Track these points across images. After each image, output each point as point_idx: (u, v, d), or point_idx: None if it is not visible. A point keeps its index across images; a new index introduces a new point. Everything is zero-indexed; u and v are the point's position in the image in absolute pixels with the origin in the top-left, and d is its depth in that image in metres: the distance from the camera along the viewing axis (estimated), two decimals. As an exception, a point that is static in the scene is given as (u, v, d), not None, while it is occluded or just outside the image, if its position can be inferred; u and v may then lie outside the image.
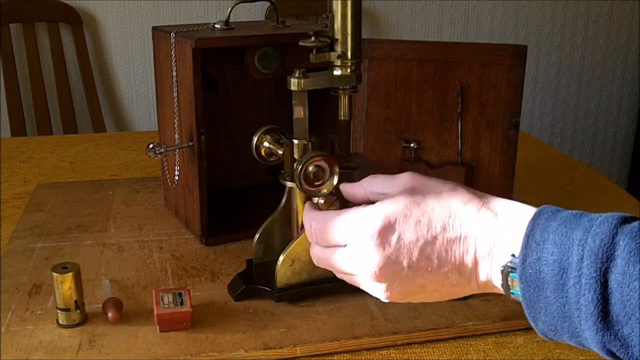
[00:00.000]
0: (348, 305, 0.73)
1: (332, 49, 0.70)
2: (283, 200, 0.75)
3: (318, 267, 0.72)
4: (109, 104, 2.36)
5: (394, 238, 0.53)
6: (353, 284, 0.58)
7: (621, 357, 0.44)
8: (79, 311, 0.69)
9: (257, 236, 0.76)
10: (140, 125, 2.39)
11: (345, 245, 0.57)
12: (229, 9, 0.85)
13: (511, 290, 0.50)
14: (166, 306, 0.68)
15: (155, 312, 0.67)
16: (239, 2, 0.86)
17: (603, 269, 0.44)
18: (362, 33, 0.71)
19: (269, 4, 0.98)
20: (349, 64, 0.70)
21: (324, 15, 0.70)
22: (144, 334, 0.68)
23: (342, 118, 0.74)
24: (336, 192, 0.69)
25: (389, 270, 0.53)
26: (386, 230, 0.53)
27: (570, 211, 0.49)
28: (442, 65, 0.91)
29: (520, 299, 0.49)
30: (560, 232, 0.47)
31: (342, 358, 0.66)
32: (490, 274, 0.52)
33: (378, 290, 0.55)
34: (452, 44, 0.92)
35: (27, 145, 1.31)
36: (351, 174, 0.74)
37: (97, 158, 1.24)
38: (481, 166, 0.93)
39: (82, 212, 0.97)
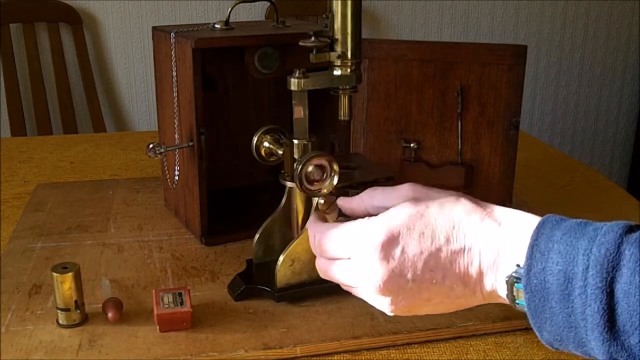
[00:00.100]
0: (348, 305, 0.73)
1: (332, 49, 0.70)
2: (283, 200, 0.75)
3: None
4: (109, 104, 2.36)
5: (397, 251, 0.53)
6: (357, 296, 0.58)
7: None
8: (79, 311, 0.69)
9: (257, 236, 0.76)
10: (140, 125, 2.39)
11: (348, 258, 0.56)
12: (229, 9, 0.85)
13: (516, 301, 0.49)
14: (166, 306, 0.68)
15: (155, 312, 0.67)
16: (239, 2, 0.86)
17: (609, 278, 0.43)
18: (362, 33, 0.71)
19: (269, 4, 0.98)
20: (349, 64, 0.70)
21: (324, 15, 0.70)
22: (144, 334, 0.68)
23: (342, 118, 0.74)
24: (336, 193, 0.69)
25: (393, 284, 0.53)
26: (390, 243, 0.53)
27: (574, 220, 0.49)
28: (442, 65, 0.91)
29: (526, 309, 0.48)
30: (565, 241, 0.47)
31: (342, 358, 0.66)
32: (496, 285, 0.52)
33: (383, 304, 0.55)
34: (452, 44, 0.92)
35: (27, 145, 1.31)
36: (351, 174, 0.74)
37: (97, 158, 1.24)
38: (481, 166, 0.93)
39: (82, 212, 0.97)
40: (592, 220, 0.48)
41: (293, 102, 0.70)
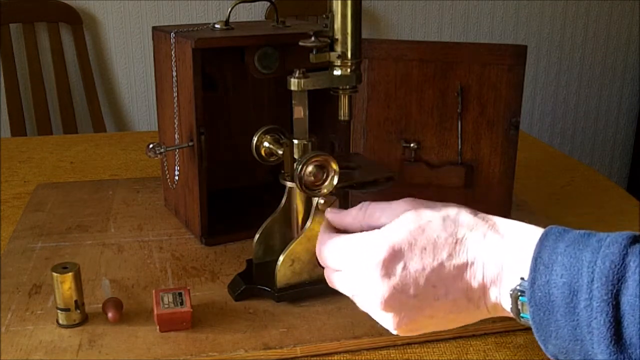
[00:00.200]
0: (348, 305, 0.73)
1: (332, 49, 0.70)
2: (283, 200, 0.75)
3: (318, 267, 0.73)
4: (109, 104, 2.36)
5: (399, 267, 0.52)
6: (361, 307, 0.57)
7: None
8: (79, 311, 0.69)
9: (257, 236, 0.76)
10: (140, 125, 2.39)
11: (350, 272, 0.56)
12: (229, 9, 0.85)
13: (521, 314, 0.49)
14: (166, 306, 0.68)
15: (155, 312, 0.67)
16: (239, 2, 0.86)
17: (614, 290, 0.43)
18: (362, 33, 0.71)
19: (269, 4, 0.98)
20: (349, 64, 0.70)
21: (324, 15, 0.70)
22: (144, 334, 0.68)
23: (342, 118, 0.74)
24: (336, 193, 0.69)
25: (395, 301, 0.52)
26: (391, 259, 0.52)
27: (577, 231, 0.49)
28: (442, 65, 0.91)
29: (530, 323, 0.48)
30: (569, 253, 0.46)
31: (342, 358, 0.66)
32: (500, 298, 0.51)
33: (386, 320, 0.54)
34: (452, 44, 0.92)
35: (27, 145, 1.31)
36: (351, 174, 0.74)
37: (97, 158, 1.24)
38: (481, 166, 0.93)
39: (82, 212, 0.97)
40: (594, 231, 0.48)
41: (293, 102, 0.70)
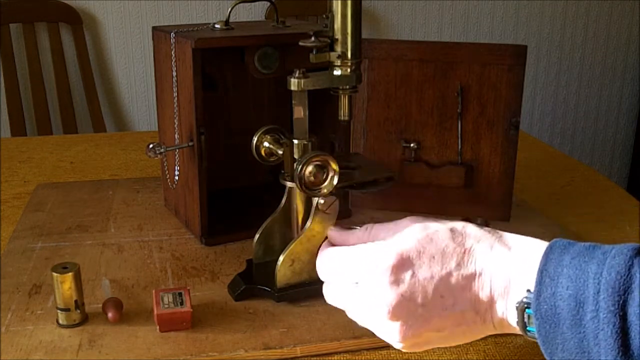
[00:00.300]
0: (348, 305, 0.73)
1: (332, 49, 0.70)
2: (283, 200, 0.75)
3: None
4: (109, 104, 2.36)
5: (407, 275, 0.52)
6: (365, 325, 0.57)
7: None
8: (79, 311, 0.69)
9: (257, 236, 0.76)
10: (140, 125, 2.40)
11: (356, 283, 0.56)
12: (229, 9, 0.85)
13: (528, 328, 0.49)
14: (166, 306, 0.68)
15: (155, 312, 0.67)
16: (239, 2, 0.86)
17: (621, 301, 0.43)
18: (362, 33, 0.71)
19: (269, 4, 0.98)
20: (349, 64, 0.70)
21: (324, 15, 0.70)
22: (144, 334, 0.68)
23: (342, 118, 0.74)
24: (336, 193, 0.69)
25: (403, 309, 0.52)
26: (400, 267, 0.52)
27: (582, 244, 0.49)
28: (442, 65, 0.91)
29: (536, 336, 0.48)
30: (574, 265, 0.46)
31: (342, 358, 0.66)
32: (506, 312, 0.51)
33: (392, 331, 0.53)
34: (452, 44, 0.92)
35: (27, 145, 1.31)
36: (351, 174, 0.74)
37: (97, 158, 1.24)
38: (481, 166, 0.93)
39: (82, 212, 0.97)
40: (596, 238, 0.48)
41: (293, 102, 0.70)
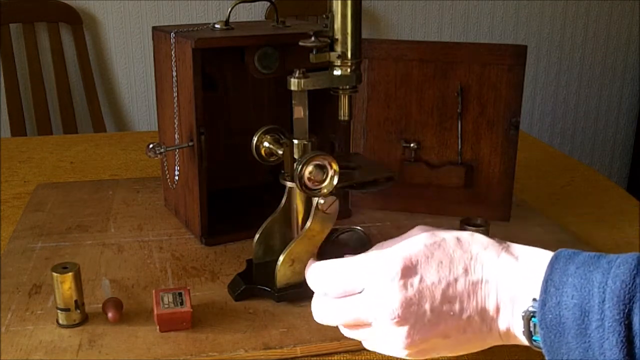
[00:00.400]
0: (348, 305, 0.73)
1: (332, 49, 0.70)
2: (283, 200, 0.75)
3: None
4: (109, 104, 2.36)
5: (416, 280, 0.52)
6: (367, 341, 0.56)
7: None
8: (79, 311, 0.69)
9: (257, 236, 0.76)
10: (140, 125, 2.40)
11: (361, 291, 0.55)
12: (229, 9, 0.85)
13: (534, 337, 0.49)
14: (166, 306, 0.68)
15: (155, 312, 0.67)
16: (239, 2, 0.86)
17: (626, 310, 0.43)
18: (362, 33, 0.71)
19: (269, 4, 0.98)
20: (349, 64, 0.70)
21: (324, 15, 0.70)
22: (144, 334, 0.68)
23: (342, 118, 0.74)
24: (336, 193, 0.69)
25: (410, 313, 0.52)
26: (407, 271, 0.52)
27: (587, 253, 0.49)
28: (442, 65, 0.91)
29: (541, 345, 0.48)
30: (579, 275, 0.46)
31: (342, 358, 0.66)
32: (512, 321, 0.51)
33: (398, 337, 0.53)
34: (452, 44, 0.92)
35: (27, 145, 1.31)
36: (351, 174, 0.74)
37: (97, 158, 1.24)
38: (481, 166, 0.93)
39: (82, 212, 0.97)
40: (601, 252, 0.48)
41: (293, 102, 0.70)
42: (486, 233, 0.79)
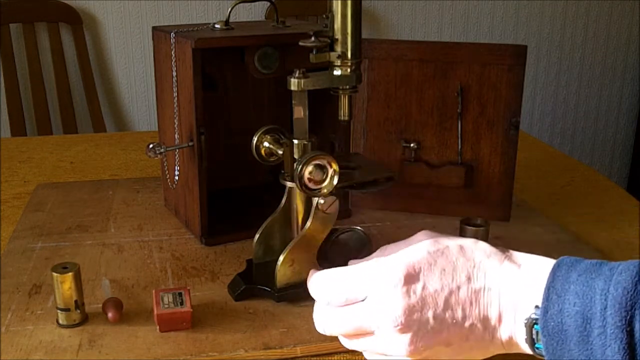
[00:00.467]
0: (348, 305, 0.73)
1: (332, 49, 0.70)
2: (283, 200, 0.75)
3: (318, 267, 0.72)
4: (109, 104, 2.36)
5: (419, 287, 0.52)
6: (369, 352, 0.56)
7: None
8: (79, 311, 0.69)
9: (257, 236, 0.76)
10: (140, 125, 2.40)
11: (364, 299, 0.55)
12: (229, 9, 0.85)
13: (536, 345, 0.49)
14: (166, 306, 0.68)
15: (155, 312, 0.67)
16: (239, 2, 0.86)
17: (628, 317, 0.43)
18: (362, 33, 0.71)
19: (269, 4, 0.98)
20: (349, 64, 0.70)
21: (324, 15, 0.70)
22: (144, 334, 0.68)
23: (342, 118, 0.74)
24: (336, 193, 0.69)
25: (414, 320, 0.52)
26: (410, 278, 0.52)
27: (589, 261, 0.49)
28: (442, 65, 0.91)
29: (544, 353, 0.48)
30: (581, 282, 0.46)
31: (342, 358, 0.66)
32: (515, 329, 0.51)
33: (401, 344, 0.53)
34: (452, 44, 0.92)
35: (27, 145, 1.31)
36: (351, 174, 0.74)
37: (97, 158, 1.24)
38: (481, 166, 0.93)
39: (82, 212, 0.97)
40: (602, 261, 0.48)
41: (293, 102, 0.70)
42: (486, 233, 0.79)
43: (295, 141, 0.71)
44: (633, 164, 2.92)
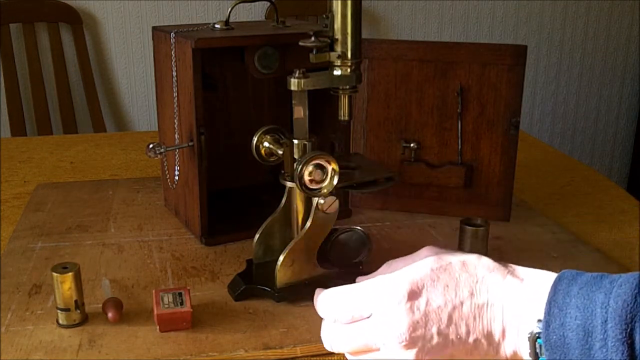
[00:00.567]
0: (348, 305, 0.73)
1: (332, 49, 0.70)
2: (283, 200, 0.75)
3: (318, 267, 0.73)
4: (109, 104, 2.36)
5: (422, 303, 0.53)
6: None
7: None
8: (79, 311, 0.69)
9: (257, 236, 0.76)
10: (140, 125, 2.40)
11: (369, 316, 0.55)
12: (229, 9, 0.85)
13: (540, 359, 0.49)
14: (166, 306, 0.68)
15: (155, 312, 0.67)
16: (239, 2, 0.86)
17: (628, 329, 0.43)
18: (362, 33, 0.71)
19: (269, 4, 0.98)
20: (349, 64, 0.70)
21: (324, 15, 0.70)
22: (144, 334, 0.68)
23: (342, 118, 0.74)
24: (336, 193, 0.69)
25: (418, 337, 0.52)
26: (414, 294, 0.53)
27: (589, 274, 0.49)
28: (442, 65, 0.91)
29: None
30: (582, 295, 0.47)
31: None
32: (519, 344, 0.51)
33: None
34: (452, 44, 0.92)
35: (27, 145, 1.31)
36: (351, 174, 0.74)
37: (97, 158, 1.24)
38: (481, 166, 0.93)
39: (82, 212, 0.97)
40: (607, 273, 0.49)
41: (293, 102, 0.70)
42: (486, 233, 0.79)
43: (295, 141, 0.71)
44: (633, 164, 2.92)
